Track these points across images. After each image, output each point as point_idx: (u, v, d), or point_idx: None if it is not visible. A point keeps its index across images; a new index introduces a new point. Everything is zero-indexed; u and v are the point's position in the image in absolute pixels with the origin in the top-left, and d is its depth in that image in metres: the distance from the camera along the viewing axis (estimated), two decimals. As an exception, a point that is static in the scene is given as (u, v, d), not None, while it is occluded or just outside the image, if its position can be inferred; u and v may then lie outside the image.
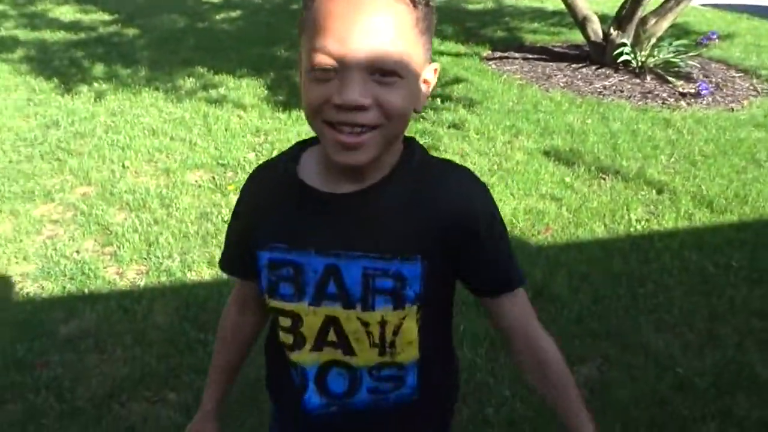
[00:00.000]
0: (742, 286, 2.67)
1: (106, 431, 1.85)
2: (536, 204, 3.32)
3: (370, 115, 0.79)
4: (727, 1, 10.97)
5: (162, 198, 3.18)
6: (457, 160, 3.70)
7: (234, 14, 8.06)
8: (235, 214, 1.01)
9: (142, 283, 2.54)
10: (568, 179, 3.64)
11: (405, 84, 0.80)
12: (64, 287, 2.51)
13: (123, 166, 3.54)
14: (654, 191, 3.55)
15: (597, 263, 2.80)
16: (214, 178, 3.45)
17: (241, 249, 0.97)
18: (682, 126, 4.60)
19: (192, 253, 2.72)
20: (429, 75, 0.87)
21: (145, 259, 2.70)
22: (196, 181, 3.41)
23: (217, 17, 7.83)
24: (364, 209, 0.88)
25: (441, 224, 0.88)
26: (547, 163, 3.84)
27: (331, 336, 0.92)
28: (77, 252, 2.75)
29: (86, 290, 2.49)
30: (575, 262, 2.79)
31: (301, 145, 0.96)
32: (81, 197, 3.20)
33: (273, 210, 0.93)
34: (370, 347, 0.92)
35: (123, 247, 2.76)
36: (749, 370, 2.17)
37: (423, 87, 0.86)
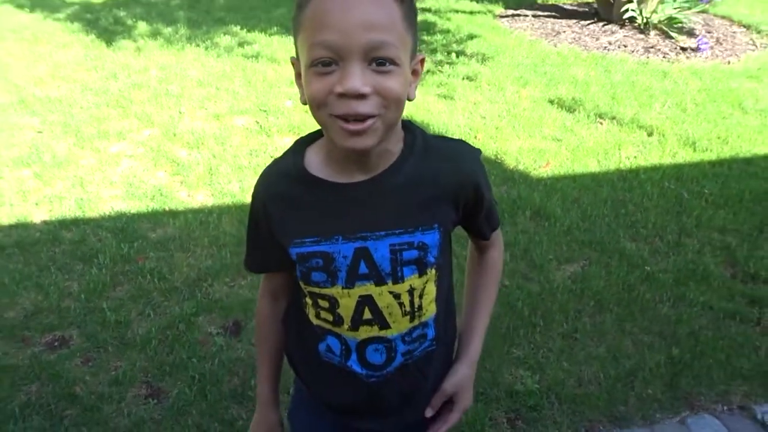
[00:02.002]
0: (710, 208, 3.17)
1: (200, 302, 2.42)
2: (539, 144, 3.81)
3: (371, 104, 0.85)
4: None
5: (216, 138, 3.72)
6: (470, 107, 4.21)
7: (260, -26, 8.45)
8: (252, 216, 1.06)
9: (209, 203, 3.10)
10: (568, 123, 4.11)
11: (400, 71, 0.87)
12: (147, 205, 3.07)
13: (179, 111, 4.07)
14: (645, 133, 4.02)
15: (587, 190, 3.30)
16: (257, 122, 3.97)
17: (264, 247, 1.04)
18: (679, 77, 5.01)
19: (247, 181, 3.26)
20: (417, 65, 0.94)
21: (209, 185, 3.24)
22: (242, 124, 3.94)
23: (245, -23, 8.22)
24: (381, 193, 0.95)
25: (450, 191, 0.99)
26: (551, 109, 4.31)
27: (366, 314, 0.99)
28: (151, 180, 3.30)
29: (166, 207, 3.05)
30: (569, 189, 3.30)
31: (302, 142, 1.02)
32: (147, 137, 3.75)
33: (290, 207, 0.98)
34: (402, 317, 1.00)
35: (190, 176, 3.31)
36: (703, 269, 2.69)
37: (412, 77, 0.93)
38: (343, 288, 0.97)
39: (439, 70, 4.99)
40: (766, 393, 2.10)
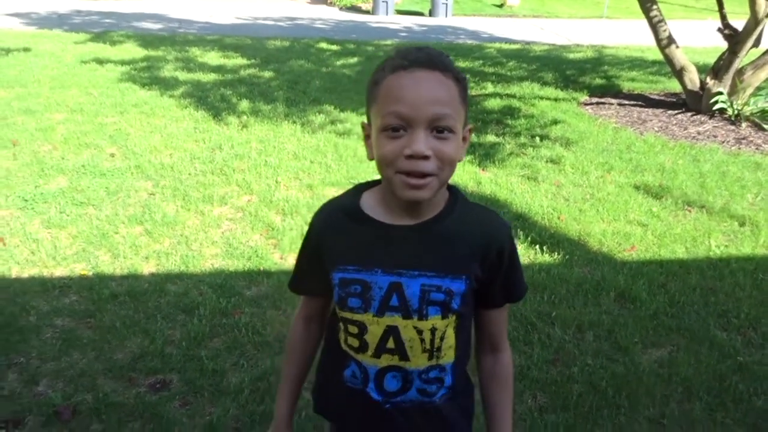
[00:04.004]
0: (809, 302, 3.04)
1: (288, 358, 2.55)
2: (624, 228, 3.80)
3: (431, 164, 1.01)
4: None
5: (309, 206, 3.96)
6: (553, 189, 4.28)
7: (352, 60, 9.08)
8: (307, 243, 1.20)
9: (301, 266, 3.28)
10: (655, 209, 4.09)
11: (455, 138, 1.03)
12: (244, 265, 3.29)
13: (276, 181, 4.38)
14: (736, 223, 3.94)
15: (675, 276, 3.25)
16: (348, 193, 4.20)
17: (311, 272, 1.18)
18: (772, 169, 4.90)
19: (336, 248, 3.45)
20: (467, 133, 1.10)
21: (301, 249, 3.45)
22: (333, 195, 4.17)
23: (338, 63, 8.85)
24: (423, 238, 1.09)
25: (479, 251, 1.12)
26: (637, 195, 4.31)
27: (390, 343, 1.11)
28: (248, 241, 3.55)
29: (261, 267, 3.26)
30: (655, 273, 3.27)
31: (361, 187, 1.17)
32: (246, 203, 4.04)
33: (342, 237, 1.12)
34: (422, 353, 1.12)
35: (283, 240, 3.53)
36: (803, 363, 2.57)
37: (462, 143, 1.08)
38: (373, 316, 1.10)
39: (523, 153, 5.12)
40: None
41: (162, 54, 8.85)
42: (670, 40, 6.45)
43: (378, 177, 1.11)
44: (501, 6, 17.02)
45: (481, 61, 8.91)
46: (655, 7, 6.45)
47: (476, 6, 16.86)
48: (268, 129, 5.61)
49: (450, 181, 1.10)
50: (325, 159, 4.85)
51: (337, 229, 1.14)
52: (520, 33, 12.89)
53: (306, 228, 1.23)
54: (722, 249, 3.60)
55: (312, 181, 4.40)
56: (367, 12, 15.71)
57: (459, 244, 1.10)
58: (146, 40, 9.99)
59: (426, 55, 1.03)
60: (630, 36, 11.81)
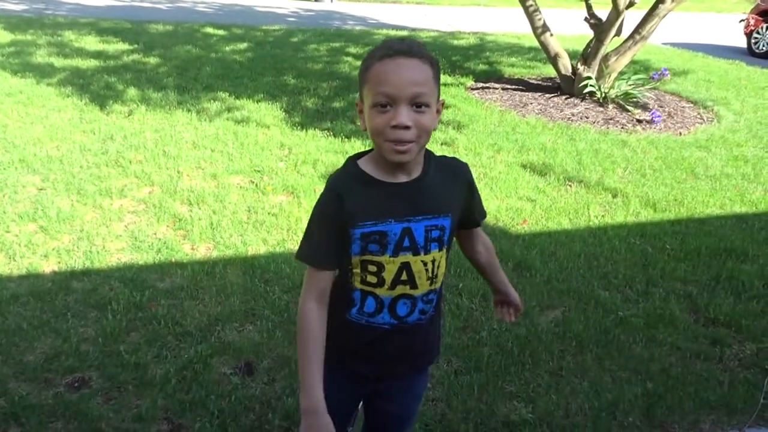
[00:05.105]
0: (672, 262, 3.50)
1: (213, 345, 2.57)
2: (515, 204, 4.14)
3: (411, 133, 1.26)
4: (685, 41, 12.11)
5: (215, 195, 3.93)
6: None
7: (242, 45, 8.90)
8: (325, 210, 1.36)
9: (213, 255, 3.28)
10: (540, 185, 4.47)
11: (430, 111, 1.28)
12: (154, 257, 3.23)
13: (178, 171, 4.29)
14: (610, 195, 4.40)
15: (562, 245, 3.61)
16: (252, 181, 4.21)
17: (329, 240, 1.35)
18: (637, 146, 5.49)
19: (248, 235, 3.47)
20: (439, 106, 1.35)
21: (212, 238, 3.43)
22: (238, 184, 4.17)
23: (227, 48, 8.65)
24: (418, 189, 1.35)
25: (458, 191, 1.43)
26: (524, 173, 4.68)
27: (403, 276, 1.37)
28: (155, 233, 3.48)
29: (172, 259, 3.22)
30: (546, 243, 3.60)
31: (354, 157, 1.40)
32: (148, 195, 3.94)
33: (358, 198, 1.33)
34: (426, 280, 1.39)
35: (193, 230, 3.50)
36: (670, 314, 2.98)
37: (436, 115, 1.33)
38: (390, 257, 1.35)
39: (419, 137, 5.35)
40: (731, 420, 2.35)
41: (31, 38, 8.21)
42: (545, 28, 6.94)
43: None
44: (385, -8, 17.25)
45: (371, 47, 9.07)
46: (531, -3, 6.91)
47: (361, -9, 16.98)
48: (161, 118, 5.44)
49: None
50: (226, 147, 4.80)
51: (352, 192, 1.34)
52: (405, 19, 13.21)
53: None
54: (600, 219, 4.03)
55: (215, 170, 4.35)
56: (251, -5, 15.35)
57: (443, 188, 1.38)
58: (10, 22, 9.20)
59: (407, 46, 1.28)
60: (508, 23, 12.49)
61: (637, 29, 6.73)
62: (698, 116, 6.75)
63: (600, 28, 6.75)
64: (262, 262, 3.19)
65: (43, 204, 3.69)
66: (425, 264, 1.37)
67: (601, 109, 6.58)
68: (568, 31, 10.39)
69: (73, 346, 2.53)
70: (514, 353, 2.62)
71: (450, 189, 1.40)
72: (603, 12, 6.89)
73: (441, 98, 1.36)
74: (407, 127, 1.25)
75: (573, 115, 6.41)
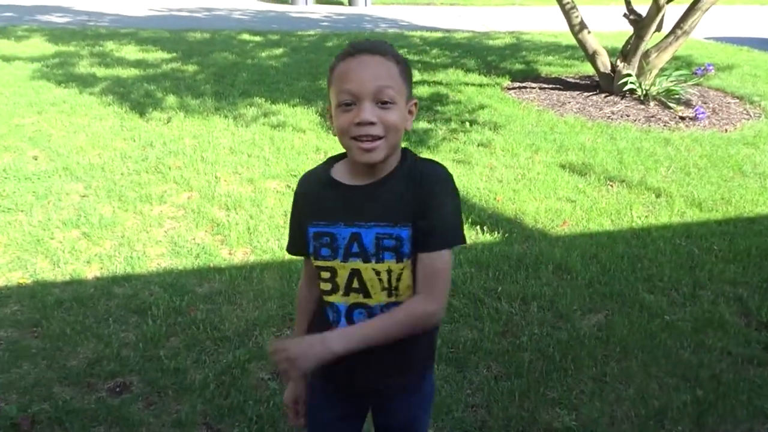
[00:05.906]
0: (720, 263, 3.37)
1: (251, 350, 2.58)
2: (555, 204, 4.05)
3: (377, 129, 1.22)
4: (729, 35, 11.73)
5: (252, 200, 3.96)
6: (486, 172, 4.48)
7: (277, 51, 8.99)
8: (293, 208, 1.42)
9: (251, 260, 3.30)
10: (580, 186, 4.37)
11: (396, 108, 1.24)
12: (192, 262, 3.27)
13: (215, 176, 4.34)
14: (653, 195, 4.27)
15: (604, 246, 3.51)
16: (289, 185, 4.23)
17: (300, 233, 1.36)
18: (680, 144, 5.32)
19: (284, 239, 3.43)
20: (412, 107, 1.31)
21: (249, 243, 3.46)
22: (275, 188, 4.19)
23: (263, 54, 8.74)
24: (375, 194, 1.28)
25: (421, 197, 1.26)
26: (563, 173, 4.58)
27: (355, 284, 1.31)
28: (194, 239, 3.52)
29: (211, 264, 3.25)
30: (587, 245, 3.51)
31: (333, 158, 1.40)
32: (187, 200, 3.99)
33: (315, 199, 1.34)
34: (381, 291, 1.31)
35: (230, 235, 3.53)
36: (719, 318, 2.86)
37: (408, 115, 1.29)
38: (340, 261, 1.31)
39: (455, 138, 5.31)
40: (788, 430, 2.24)
41: (74, 49, 8.44)
42: (582, 26, 6.81)
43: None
44: (418, -6, 17.22)
45: (406, 50, 9.04)
46: (567, -6, 6.78)
47: (394, -6, 16.99)
48: (199, 124, 5.52)
49: None
50: (263, 152, 4.84)
51: (310, 193, 1.36)
52: (439, 21, 13.14)
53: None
54: (643, 219, 3.91)
55: (252, 175, 4.38)
56: (285, 2, 15.52)
57: (404, 196, 1.27)
58: (54, 34, 9.48)
59: (369, 44, 1.27)
60: (544, 22, 12.30)
61: (679, 24, 6.53)
62: (744, 112, 6.51)
63: (640, 24, 6.58)
64: (298, 266, 3.17)
65: (86, 211, 3.78)
66: (378, 273, 1.29)
67: (642, 106, 6.41)
68: (606, 28, 10.17)
69: (114, 351, 2.57)
70: (555, 359, 2.55)
71: (411, 197, 1.27)
72: (642, 8, 6.72)
73: (414, 99, 1.32)
74: (372, 123, 1.22)
75: (613, 113, 6.26)
